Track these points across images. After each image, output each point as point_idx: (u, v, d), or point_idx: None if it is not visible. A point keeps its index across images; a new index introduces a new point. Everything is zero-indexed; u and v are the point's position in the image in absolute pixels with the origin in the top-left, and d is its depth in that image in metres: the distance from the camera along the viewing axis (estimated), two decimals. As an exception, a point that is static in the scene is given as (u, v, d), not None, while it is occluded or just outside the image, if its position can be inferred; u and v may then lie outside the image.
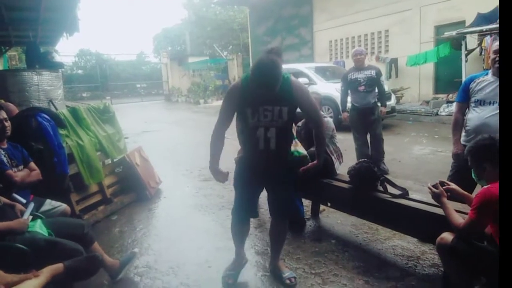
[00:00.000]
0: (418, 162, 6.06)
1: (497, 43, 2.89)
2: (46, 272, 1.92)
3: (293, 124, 2.76)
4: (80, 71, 29.04)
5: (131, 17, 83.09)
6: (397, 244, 3.23)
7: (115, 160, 4.59)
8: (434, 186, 2.41)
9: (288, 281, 2.65)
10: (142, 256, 3.20)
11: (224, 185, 5.08)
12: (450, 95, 10.62)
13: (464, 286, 2.17)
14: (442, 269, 2.80)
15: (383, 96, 5.69)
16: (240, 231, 2.78)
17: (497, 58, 2.79)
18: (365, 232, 3.47)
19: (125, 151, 4.64)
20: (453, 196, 2.42)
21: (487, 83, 2.85)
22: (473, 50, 10.26)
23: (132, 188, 4.60)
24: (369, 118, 5.40)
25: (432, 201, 2.75)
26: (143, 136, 9.60)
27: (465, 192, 2.44)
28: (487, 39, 9.47)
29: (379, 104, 5.55)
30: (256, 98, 2.35)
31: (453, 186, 2.42)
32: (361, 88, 5.30)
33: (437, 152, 6.76)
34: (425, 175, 5.09)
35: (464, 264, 2.13)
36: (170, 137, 9.54)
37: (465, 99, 2.99)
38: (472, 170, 2.23)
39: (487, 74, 2.92)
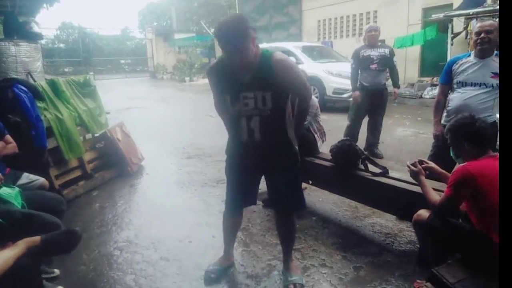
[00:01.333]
0: (401, 143, 6.13)
1: (479, 24, 2.92)
2: (22, 244, 1.89)
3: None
4: (62, 45, 28.16)
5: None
6: (376, 222, 3.29)
7: (96, 135, 4.52)
8: (412, 164, 2.45)
9: (291, 286, 2.35)
10: (123, 231, 3.20)
11: (207, 162, 5.12)
12: (435, 79, 10.72)
13: (437, 261, 2.23)
14: (418, 245, 2.88)
15: (396, 77, 5.32)
16: (230, 226, 2.57)
17: (479, 40, 2.82)
18: (345, 210, 3.52)
19: (106, 126, 4.57)
20: (431, 174, 2.47)
21: (470, 65, 2.88)
22: (459, 33, 10.30)
23: (113, 164, 4.55)
24: (377, 101, 5.08)
25: (411, 180, 2.81)
26: (127, 112, 9.45)
27: (443, 171, 2.48)
28: (473, 22, 9.50)
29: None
30: (234, 83, 2.08)
31: (431, 164, 2.46)
32: (374, 66, 4.96)
33: (419, 134, 6.86)
34: (407, 156, 5.14)
35: (439, 240, 2.19)
36: (154, 114, 9.42)
37: (448, 81, 3.02)
38: (451, 148, 2.26)
39: (469, 55, 2.94)
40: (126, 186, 4.30)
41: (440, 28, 10.48)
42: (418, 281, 2.35)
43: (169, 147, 6.01)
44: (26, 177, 2.91)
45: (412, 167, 2.41)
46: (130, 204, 3.82)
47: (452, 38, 10.19)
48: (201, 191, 4.08)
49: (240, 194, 2.41)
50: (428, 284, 2.27)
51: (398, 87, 5.35)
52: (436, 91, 10.40)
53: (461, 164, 2.10)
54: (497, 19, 7.79)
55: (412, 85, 11.45)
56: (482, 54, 2.83)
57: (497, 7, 8.96)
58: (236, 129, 2.20)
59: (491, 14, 8.86)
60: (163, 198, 3.95)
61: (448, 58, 9.88)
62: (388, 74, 5.37)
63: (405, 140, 6.29)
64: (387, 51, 5.04)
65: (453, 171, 2.11)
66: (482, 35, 2.80)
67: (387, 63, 5.07)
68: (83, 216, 3.52)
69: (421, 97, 10.40)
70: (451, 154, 2.28)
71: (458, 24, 10.16)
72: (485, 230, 2.01)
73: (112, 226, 3.30)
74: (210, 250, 2.86)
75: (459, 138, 2.15)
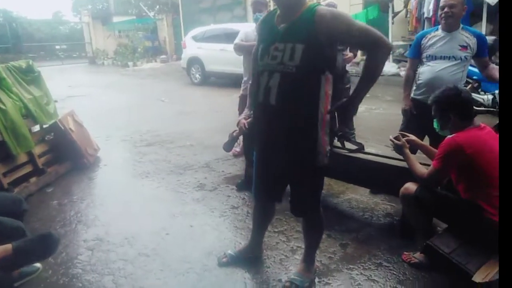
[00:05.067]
0: (357, 119, 6.20)
1: None
2: None
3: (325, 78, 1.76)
4: (-14, 31, 25.34)
5: (41, -29, 73.58)
6: (352, 197, 3.29)
7: (44, 126, 4.05)
8: (395, 138, 2.42)
9: (287, 284, 2.10)
10: (90, 229, 2.89)
11: (169, 149, 4.85)
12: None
13: (427, 233, 2.24)
14: (396, 217, 2.91)
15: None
16: (256, 216, 2.33)
17: (443, 15, 2.84)
18: (319, 188, 3.48)
19: (55, 116, 4.09)
20: (413, 146, 2.46)
21: (438, 39, 2.90)
22: (399, 12, 10.67)
23: (67, 157, 4.12)
24: (338, 86, 4.64)
25: (387, 154, 2.82)
26: (70, 101, 8.65)
27: (423, 143, 2.50)
28: (412, 1, 9.89)
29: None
30: (271, 33, 1.81)
31: (413, 137, 2.45)
32: None
33: (371, 110, 7.06)
34: (365, 132, 5.26)
35: (428, 211, 2.20)
36: (101, 102, 8.75)
37: (417, 55, 3.03)
38: (435, 120, 2.25)
39: (437, 29, 2.95)
40: (84, 180, 3.92)
41: (381, 7, 10.77)
42: (405, 253, 2.36)
43: (124, 136, 5.59)
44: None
45: (396, 141, 2.38)
46: (92, 198, 3.48)
47: (393, 17, 10.53)
48: (169, 180, 3.82)
49: (264, 182, 2.10)
50: (417, 255, 2.29)
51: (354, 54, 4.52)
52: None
53: (449, 136, 2.09)
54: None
55: (358, 63, 11.73)
56: (448, 28, 2.86)
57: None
58: (256, 88, 1.90)
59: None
60: (128, 190, 3.65)
61: (390, 37, 10.37)
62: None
63: (361, 117, 6.35)
64: None
65: (441, 143, 2.10)
66: (446, 9, 2.82)
67: None
68: (40, 215, 3.14)
69: (366, 75, 10.69)
70: (435, 126, 2.27)
71: (398, 4, 10.50)
72: (473, 198, 2.03)
73: (77, 224, 2.97)
74: (190, 241, 2.66)
75: (445, 109, 2.14)
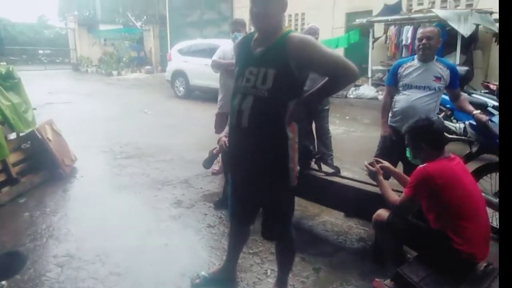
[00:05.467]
0: (335, 141, 6.27)
1: (421, 30, 3.04)
2: None
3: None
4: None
5: (29, -25, 72.39)
6: (326, 220, 3.30)
7: (21, 134, 3.94)
8: (370, 164, 2.45)
9: None
10: (61, 244, 2.80)
11: (148, 162, 4.78)
12: (358, 80, 11.31)
13: (398, 260, 2.26)
14: (369, 242, 2.93)
15: None
16: (233, 238, 2.31)
17: (421, 46, 2.93)
18: (296, 210, 3.46)
19: (33, 124, 4.00)
20: (386, 173, 2.50)
21: (414, 68, 2.99)
22: (379, 38, 10.98)
23: (43, 166, 4.00)
24: (316, 107, 4.39)
25: (362, 179, 2.86)
26: (49, 108, 8.48)
27: (397, 170, 2.55)
28: (392, 28, 10.22)
29: None
30: (247, 56, 1.87)
31: (387, 164, 2.49)
32: None
33: (350, 132, 7.16)
34: (342, 153, 5.32)
35: (398, 238, 2.23)
36: (82, 111, 8.59)
37: (394, 83, 3.10)
38: (408, 149, 2.30)
39: (413, 59, 3.04)
40: (59, 191, 3.81)
41: (363, 32, 11.06)
42: (376, 279, 2.37)
43: (104, 147, 5.49)
44: None
45: (371, 167, 2.42)
46: (66, 211, 3.38)
47: (373, 43, 10.83)
48: (146, 195, 3.75)
49: (238, 203, 2.11)
50: (387, 282, 2.30)
51: None
52: (359, 91, 10.98)
53: (421, 166, 2.14)
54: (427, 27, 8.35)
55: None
56: (424, 59, 2.95)
57: (412, 15, 9.72)
58: (231, 110, 1.91)
59: (408, 21, 9.62)
60: (104, 204, 3.56)
61: (369, 61, 10.66)
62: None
63: (338, 138, 6.47)
64: None
65: (413, 172, 2.14)
66: (424, 41, 2.91)
67: None
68: (10, 228, 3.02)
69: (346, 97, 10.88)
70: (408, 155, 2.32)
71: (378, 30, 10.81)
72: (442, 228, 2.07)
73: (48, 239, 2.87)
74: (164, 260, 2.61)
75: (417, 139, 2.19)
